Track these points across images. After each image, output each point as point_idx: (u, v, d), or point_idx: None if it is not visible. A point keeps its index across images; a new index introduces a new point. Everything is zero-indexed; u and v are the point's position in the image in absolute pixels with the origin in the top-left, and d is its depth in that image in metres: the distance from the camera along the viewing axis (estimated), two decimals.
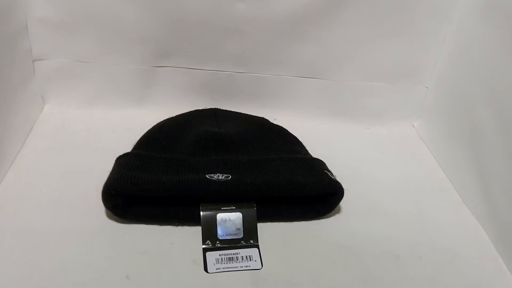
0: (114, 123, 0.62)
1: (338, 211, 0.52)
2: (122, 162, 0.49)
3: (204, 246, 0.45)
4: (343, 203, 0.51)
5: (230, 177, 0.48)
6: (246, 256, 0.45)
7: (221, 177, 0.47)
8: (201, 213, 0.47)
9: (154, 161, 0.49)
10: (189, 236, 0.46)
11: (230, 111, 0.64)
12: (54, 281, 0.40)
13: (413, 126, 0.71)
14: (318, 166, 0.52)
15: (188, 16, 0.59)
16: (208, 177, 0.47)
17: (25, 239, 0.44)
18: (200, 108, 0.64)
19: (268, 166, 0.51)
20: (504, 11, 0.51)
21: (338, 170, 0.53)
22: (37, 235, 0.44)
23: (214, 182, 0.46)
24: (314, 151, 0.57)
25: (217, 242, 0.46)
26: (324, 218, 0.51)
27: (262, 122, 0.62)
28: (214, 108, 0.64)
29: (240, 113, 0.64)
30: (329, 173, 0.51)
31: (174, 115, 0.61)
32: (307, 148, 0.59)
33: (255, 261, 0.45)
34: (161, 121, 0.60)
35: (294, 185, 0.48)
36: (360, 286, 0.44)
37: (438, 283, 0.45)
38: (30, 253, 0.42)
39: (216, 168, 0.49)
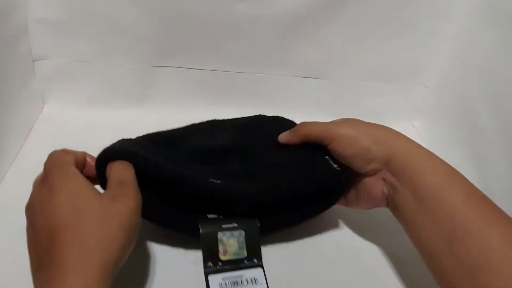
0: (114, 123, 0.62)
1: (339, 211, 0.52)
2: (118, 143, 0.44)
3: (206, 270, 0.42)
4: None
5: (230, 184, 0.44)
6: (251, 279, 0.43)
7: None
8: (201, 231, 0.43)
9: (153, 151, 0.44)
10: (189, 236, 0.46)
11: (225, 120, 0.58)
12: None
13: (413, 126, 0.71)
14: (319, 154, 0.47)
15: (188, 16, 0.59)
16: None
17: (25, 239, 0.44)
18: (197, 122, 0.57)
19: (268, 169, 0.47)
20: (504, 11, 0.51)
21: None
22: None
23: (213, 183, 0.42)
24: None
25: (219, 263, 0.42)
26: (324, 218, 0.51)
27: (257, 119, 0.58)
28: (210, 120, 0.58)
29: (236, 118, 0.59)
30: (330, 161, 0.47)
31: (174, 115, 0.61)
32: None
33: (261, 284, 0.43)
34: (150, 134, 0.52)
35: (295, 186, 0.45)
36: (360, 286, 0.44)
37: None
38: None
39: (213, 176, 0.44)
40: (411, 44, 0.64)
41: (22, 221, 0.46)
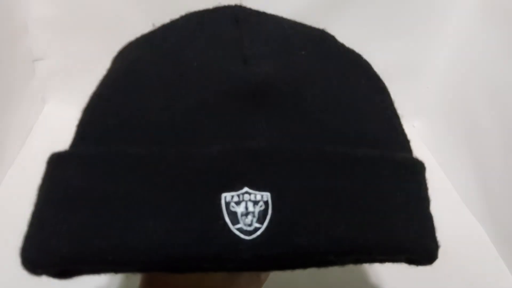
0: None
1: None
2: (46, 192, 0.26)
3: None
4: None
5: (270, 202, 0.22)
6: None
7: (251, 201, 0.22)
8: None
9: (115, 174, 0.23)
10: None
11: (262, 13, 0.35)
12: (54, 281, 0.40)
13: (413, 126, 0.71)
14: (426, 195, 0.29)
15: None
16: (225, 213, 0.22)
17: None
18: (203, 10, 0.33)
19: (350, 180, 0.24)
20: (504, 11, 0.51)
21: None
22: None
23: (244, 241, 0.21)
24: None
25: None
26: None
27: (325, 41, 0.34)
28: (234, 6, 0.32)
29: (282, 18, 0.36)
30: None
31: None
32: None
33: None
34: (125, 52, 0.34)
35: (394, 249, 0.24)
36: (361, 286, 0.44)
37: (438, 283, 0.45)
38: None
39: (240, 175, 0.22)
40: (411, 44, 0.64)
41: (22, 221, 0.46)
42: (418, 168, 0.28)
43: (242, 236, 0.21)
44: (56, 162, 0.27)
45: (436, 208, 0.59)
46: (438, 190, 0.63)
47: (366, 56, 0.64)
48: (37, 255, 0.23)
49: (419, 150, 0.74)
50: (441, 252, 0.49)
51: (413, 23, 0.62)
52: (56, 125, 0.61)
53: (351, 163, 0.24)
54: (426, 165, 0.30)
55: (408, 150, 0.30)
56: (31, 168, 0.54)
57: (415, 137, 0.69)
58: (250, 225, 0.21)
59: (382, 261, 0.26)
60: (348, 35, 0.62)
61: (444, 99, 0.64)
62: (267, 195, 0.22)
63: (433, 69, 0.66)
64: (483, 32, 0.55)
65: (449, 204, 0.56)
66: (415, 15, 0.61)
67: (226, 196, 0.22)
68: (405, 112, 0.73)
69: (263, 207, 0.22)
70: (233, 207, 0.22)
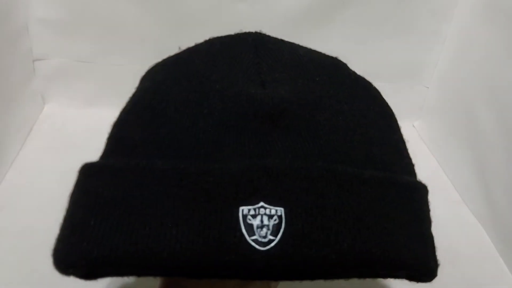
0: None
1: None
2: (78, 199, 0.27)
3: None
4: None
5: (283, 217, 0.24)
6: None
7: (267, 215, 0.23)
8: None
9: (142, 186, 0.25)
10: None
11: (279, 41, 0.37)
12: (54, 281, 0.40)
13: (413, 126, 0.71)
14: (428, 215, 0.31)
15: (189, 16, 0.59)
16: (243, 225, 0.23)
17: (25, 239, 0.44)
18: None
19: (357, 198, 0.25)
20: (505, 11, 0.51)
21: None
22: (37, 235, 0.44)
23: (259, 251, 0.23)
24: None
25: None
26: None
27: (338, 68, 0.36)
28: (254, 33, 0.35)
29: (297, 46, 0.38)
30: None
31: None
32: None
33: None
34: (152, 72, 0.36)
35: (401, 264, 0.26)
36: (360, 286, 0.44)
37: (438, 283, 0.45)
38: (30, 253, 0.42)
39: (257, 190, 0.24)
40: (411, 44, 0.64)
41: (22, 221, 0.46)
42: (421, 191, 0.30)
43: (257, 247, 0.23)
44: (89, 172, 0.28)
45: (437, 208, 0.59)
46: (438, 190, 0.63)
47: (367, 55, 0.64)
48: (69, 256, 0.25)
49: (419, 150, 0.74)
50: (441, 252, 0.50)
51: (413, 23, 0.62)
52: (56, 125, 0.61)
53: (358, 183, 0.25)
54: (427, 165, 0.31)
55: (413, 174, 0.32)
56: (31, 168, 0.54)
57: (415, 137, 0.69)
58: (265, 237, 0.23)
59: (384, 276, 0.27)
60: (348, 35, 0.62)
61: (444, 99, 0.64)
62: (281, 210, 0.23)
63: (433, 69, 0.66)
64: (483, 32, 0.55)
65: (449, 204, 0.56)
66: (415, 15, 0.61)
67: (243, 209, 0.23)
68: (405, 112, 0.73)
69: (277, 221, 0.23)
70: (249, 219, 0.23)
